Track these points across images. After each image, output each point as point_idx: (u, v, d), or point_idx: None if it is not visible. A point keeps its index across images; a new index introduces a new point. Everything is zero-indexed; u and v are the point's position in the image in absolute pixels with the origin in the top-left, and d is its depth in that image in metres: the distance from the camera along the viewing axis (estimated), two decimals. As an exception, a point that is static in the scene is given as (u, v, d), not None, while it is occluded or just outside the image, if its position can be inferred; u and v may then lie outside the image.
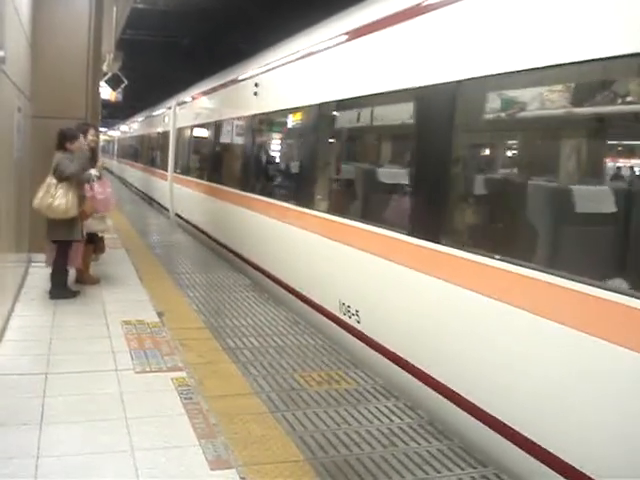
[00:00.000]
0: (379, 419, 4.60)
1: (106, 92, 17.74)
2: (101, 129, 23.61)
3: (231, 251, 10.69)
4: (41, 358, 5.45)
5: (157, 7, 16.14)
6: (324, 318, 6.87)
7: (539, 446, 3.89)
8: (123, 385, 4.96)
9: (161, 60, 22.26)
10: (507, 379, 4.23)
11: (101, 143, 24.30)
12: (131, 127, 30.55)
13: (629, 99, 3.90)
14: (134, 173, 26.31)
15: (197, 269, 9.85)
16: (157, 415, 4.44)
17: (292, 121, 8.95)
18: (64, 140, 7.46)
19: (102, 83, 15.73)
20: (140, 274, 9.00)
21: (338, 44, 6.97)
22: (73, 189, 7.28)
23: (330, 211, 7.04)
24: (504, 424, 4.16)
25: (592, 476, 3.54)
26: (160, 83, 25.88)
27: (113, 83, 17.64)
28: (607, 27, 3.65)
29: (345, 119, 7.34)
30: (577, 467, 3.62)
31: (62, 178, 7.23)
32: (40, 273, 8.19)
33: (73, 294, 7.54)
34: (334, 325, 6.61)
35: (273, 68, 9.05)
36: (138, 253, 10.81)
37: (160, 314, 6.98)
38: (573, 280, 3.69)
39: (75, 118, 8.48)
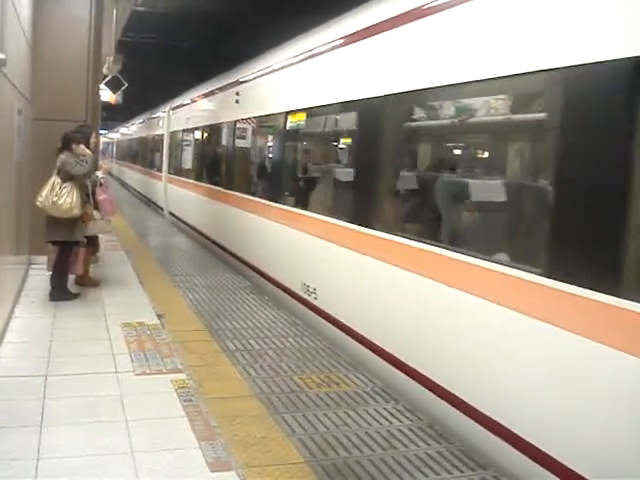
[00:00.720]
0: (378, 421, 4.60)
1: (106, 95, 17.73)
2: (101, 131, 24.12)
3: (215, 243, 11.87)
4: (41, 360, 5.46)
5: (157, 10, 16.10)
6: (292, 299, 7.87)
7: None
8: (123, 387, 4.97)
9: (161, 63, 22.23)
10: (425, 338, 5.17)
11: (101, 146, 24.63)
12: (129, 130, 31.45)
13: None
14: (132, 175, 27.07)
15: (197, 271, 9.85)
16: (157, 417, 4.45)
17: (264, 126, 10.02)
18: (69, 142, 7.48)
19: (102, 85, 15.72)
20: (140, 276, 9.01)
21: (294, 64, 8.29)
22: (77, 189, 7.31)
23: (291, 204, 8.24)
24: (426, 377, 5.04)
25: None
26: (160, 86, 25.87)
27: (113, 86, 17.64)
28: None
29: (302, 125, 8.39)
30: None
31: (67, 177, 7.26)
32: (40, 275, 8.22)
33: (73, 296, 7.55)
34: (299, 304, 7.63)
35: (251, 79, 10.20)
36: (138, 255, 10.82)
37: (160, 316, 6.99)
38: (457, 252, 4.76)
39: (75, 120, 8.48)
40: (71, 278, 7.87)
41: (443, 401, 4.82)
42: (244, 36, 16.89)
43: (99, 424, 4.30)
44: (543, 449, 3.85)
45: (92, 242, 8.22)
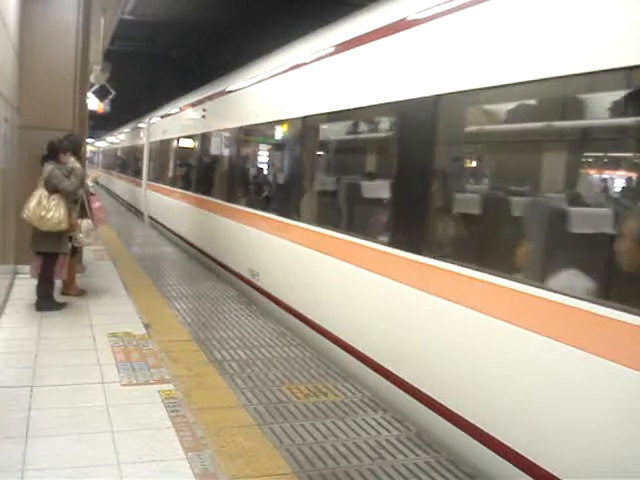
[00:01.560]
0: (367, 431, 4.59)
1: (93, 103, 17.70)
2: (88, 140, 24.61)
3: (184, 240, 13.57)
4: (27, 371, 5.41)
5: (145, 19, 16.13)
6: (242, 282, 9.37)
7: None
8: (109, 398, 4.93)
9: (149, 71, 22.24)
10: (359, 319, 5.97)
11: (88, 154, 25.08)
12: (113, 140, 33.51)
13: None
14: (116, 182, 28.57)
15: (184, 281, 9.83)
16: (144, 428, 4.42)
17: (223, 138, 11.53)
18: (57, 151, 7.45)
19: (89, 94, 15.69)
20: (127, 286, 8.97)
21: (240, 89, 10.28)
22: (64, 201, 7.27)
23: (239, 202, 9.87)
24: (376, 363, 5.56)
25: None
26: (148, 94, 25.87)
27: (100, 94, 17.62)
28: None
29: (247, 138, 10.44)
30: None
31: (54, 190, 7.21)
32: (26, 285, 8.14)
33: (59, 306, 7.50)
34: (247, 286, 9.12)
35: (215, 97, 11.83)
36: (125, 264, 10.78)
37: (147, 326, 6.95)
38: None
39: (62, 129, 8.45)
40: (57, 288, 7.81)
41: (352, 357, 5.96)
42: (231, 45, 16.92)
43: (85, 435, 4.26)
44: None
45: (75, 252, 8.17)
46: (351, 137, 7.44)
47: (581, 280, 3.73)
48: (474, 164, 5.74)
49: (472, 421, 4.29)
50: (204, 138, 12.66)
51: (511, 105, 4.76)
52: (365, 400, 5.17)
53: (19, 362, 5.64)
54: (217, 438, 4.31)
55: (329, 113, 7.01)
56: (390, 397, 5.28)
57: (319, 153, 7.95)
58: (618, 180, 4.22)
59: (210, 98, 12.09)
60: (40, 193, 7.23)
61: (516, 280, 4.01)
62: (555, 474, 3.62)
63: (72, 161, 7.55)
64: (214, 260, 11.09)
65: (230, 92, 10.76)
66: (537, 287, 3.82)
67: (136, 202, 21.50)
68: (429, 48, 5.12)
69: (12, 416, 4.51)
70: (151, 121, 19.18)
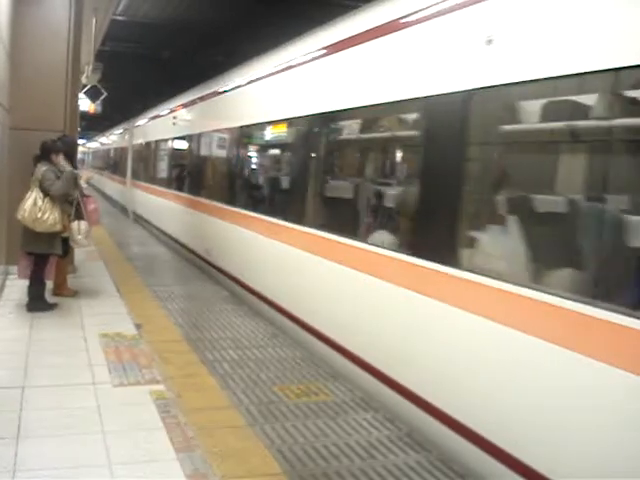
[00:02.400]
0: (358, 431, 4.61)
1: (85, 104, 17.66)
2: (80, 141, 25.04)
3: (159, 230, 15.71)
4: (18, 371, 5.41)
5: (136, 19, 16.07)
6: (199, 260, 11.38)
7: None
8: (100, 398, 4.93)
9: (141, 72, 22.18)
10: (321, 304, 6.59)
11: (79, 155, 25.46)
12: (101, 142, 36.11)
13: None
14: (104, 181, 30.47)
15: (176, 281, 9.83)
16: (135, 429, 4.42)
17: (189, 142, 13.50)
18: (49, 152, 7.43)
19: (81, 95, 15.65)
20: (118, 286, 8.96)
21: (194, 102, 12.84)
22: (58, 203, 7.26)
23: (203, 195, 11.65)
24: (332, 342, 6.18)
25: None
26: (140, 95, 25.81)
27: (92, 95, 17.56)
28: None
29: (205, 144, 12.26)
30: None
31: (46, 193, 7.20)
32: (17, 286, 8.12)
33: (50, 307, 7.49)
34: (203, 263, 11.06)
35: (181, 107, 14.18)
36: (116, 265, 10.77)
37: (138, 326, 6.95)
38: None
39: (54, 130, 8.44)
40: (49, 289, 7.80)
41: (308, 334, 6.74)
42: (223, 46, 16.91)
43: (76, 436, 4.26)
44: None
45: (66, 252, 8.16)
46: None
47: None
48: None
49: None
50: (172, 143, 15.21)
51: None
52: (356, 400, 5.18)
53: (10, 363, 5.63)
54: (208, 439, 4.31)
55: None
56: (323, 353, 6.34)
57: (231, 151, 10.48)
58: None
59: (174, 110, 14.83)
60: (35, 194, 7.21)
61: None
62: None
63: (62, 163, 7.53)
64: (176, 241, 13.63)
65: (187, 105, 13.68)
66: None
67: (120, 198, 23.69)
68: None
69: (3, 417, 4.50)
70: (133, 126, 21.59)
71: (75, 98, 10.13)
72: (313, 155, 7.18)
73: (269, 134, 9.11)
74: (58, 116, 9.07)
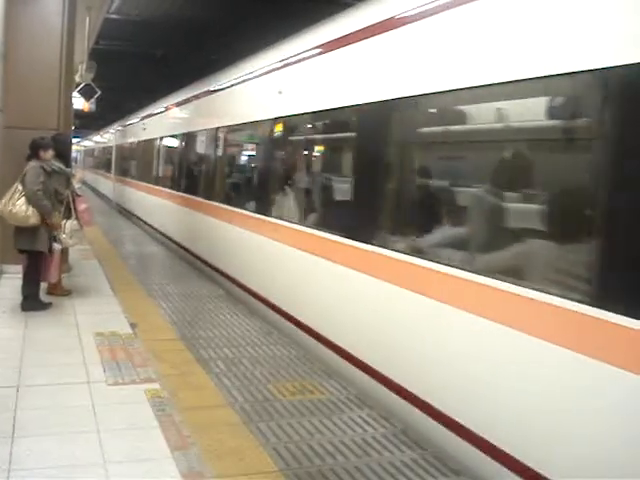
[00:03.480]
0: (352, 429, 4.62)
1: (79, 102, 17.61)
2: (74, 140, 25.95)
3: (132, 213, 19.32)
4: (12, 371, 5.40)
5: (130, 18, 16.02)
6: (157, 234, 14.93)
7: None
8: (95, 397, 4.93)
9: (135, 70, 22.13)
10: (289, 286, 7.46)
11: (73, 154, 26.30)
12: (91, 141, 40.49)
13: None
14: (92, 177, 34.00)
15: (170, 280, 9.82)
16: (130, 427, 4.42)
17: (165, 143, 15.77)
18: (37, 149, 7.41)
19: (75, 93, 15.62)
20: (113, 285, 8.95)
21: (167, 109, 15.59)
22: (34, 199, 7.21)
23: (173, 187, 13.94)
24: (302, 326, 6.84)
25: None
26: (134, 93, 25.76)
27: (86, 93, 17.52)
28: None
29: (175, 144, 14.71)
30: None
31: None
32: (11, 285, 8.10)
33: (45, 306, 7.47)
34: (175, 246, 13.22)
35: (147, 117, 18.23)
36: (111, 264, 10.76)
37: (133, 325, 6.95)
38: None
39: (47, 129, 8.42)
40: (43, 287, 7.79)
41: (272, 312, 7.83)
42: (217, 44, 16.89)
43: (71, 435, 4.26)
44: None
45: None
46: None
47: None
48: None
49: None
50: (144, 144, 18.29)
51: None
52: (351, 397, 5.19)
53: (5, 362, 5.62)
54: (203, 437, 4.32)
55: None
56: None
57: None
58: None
59: (144, 118, 18.61)
60: (14, 188, 7.20)
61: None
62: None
63: (52, 160, 7.49)
64: (145, 222, 17.13)
65: (152, 115, 17.36)
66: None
67: (106, 191, 27.63)
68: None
69: (-2, 416, 4.50)
70: (116, 129, 25.84)
71: (69, 97, 10.11)
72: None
73: (194, 140, 12.70)
74: (52, 115, 9.05)
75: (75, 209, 7.77)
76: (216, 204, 10.30)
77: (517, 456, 3.80)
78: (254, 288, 8.34)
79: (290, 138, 8.19)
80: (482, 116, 4.72)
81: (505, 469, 3.91)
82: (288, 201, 7.80)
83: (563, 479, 3.50)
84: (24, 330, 6.62)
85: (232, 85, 10.03)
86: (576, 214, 3.77)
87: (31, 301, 7.38)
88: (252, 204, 8.67)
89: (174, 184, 13.85)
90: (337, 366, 5.93)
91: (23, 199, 7.13)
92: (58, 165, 7.59)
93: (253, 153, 9.95)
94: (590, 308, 3.35)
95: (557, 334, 3.56)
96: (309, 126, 7.78)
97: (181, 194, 12.86)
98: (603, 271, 3.41)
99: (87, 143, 43.45)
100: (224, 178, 10.74)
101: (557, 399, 3.58)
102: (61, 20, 9.21)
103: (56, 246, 7.59)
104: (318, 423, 4.68)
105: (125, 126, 23.38)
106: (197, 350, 6.25)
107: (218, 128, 10.63)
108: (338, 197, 6.75)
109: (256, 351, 6.33)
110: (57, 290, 8.10)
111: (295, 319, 7.00)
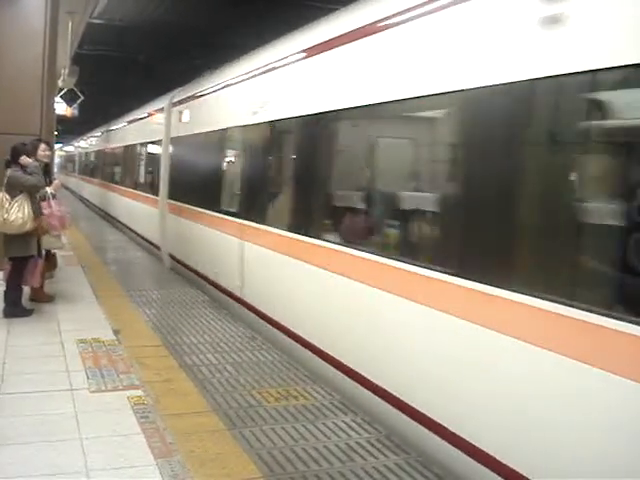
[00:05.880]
0: (337, 434, 4.62)
1: (62, 108, 17.56)
2: (56, 145, 26.27)
3: (113, 217, 20.11)
4: (-6, 378, 5.36)
5: (113, 23, 16.01)
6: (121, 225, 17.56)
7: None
8: (78, 405, 4.90)
9: (118, 75, 22.09)
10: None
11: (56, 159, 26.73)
12: (72, 147, 41.40)
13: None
14: (74, 181, 35.66)
15: (154, 286, 9.79)
16: (113, 435, 4.40)
17: (140, 150, 16.31)
18: (18, 155, 7.36)
19: (57, 99, 15.56)
20: (96, 291, 8.91)
21: (133, 121, 17.37)
22: (27, 203, 7.18)
23: (147, 190, 14.56)
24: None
25: None
26: (118, 98, 25.68)
27: (69, 99, 17.47)
28: None
29: (120, 153, 18.71)
30: None
31: (16, 193, 7.13)
32: (-7, 291, 8.04)
33: (27, 312, 7.42)
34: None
35: (112, 130, 21.18)
36: (94, 270, 10.71)
37: (116, 332, 6.91)
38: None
39: (29, 134, 8.38)
40: (26, 294, 7.73)
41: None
42: (200, 49, 16.90)
43: (53, 443, 4.23)
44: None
45: (48, 258, 8.11)
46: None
47: None
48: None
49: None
50: (112, 151, 20.89)
51: None
52: (335, 403, 5.19)
53: (-14, 370, 5.58)
54: (187, 443, 4.30)
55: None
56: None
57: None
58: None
59: (111, 130, 21.43)
60: (1, 197, 7.15)
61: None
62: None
63: (29, 162, 7.42)
64: (110, 215, 19.96)
65: (121, 127, 19.27)
66: None
67: (87, 194, 29.18)
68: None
69: (-21, 424, 4.47)
70: (101, 134, 27.00)
71: (51, 102, 10.08)
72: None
73: (151, 148, 14.51)
74: (34, 120, 9.01)
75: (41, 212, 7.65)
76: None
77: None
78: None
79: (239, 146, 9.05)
80: None
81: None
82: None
83: None
84: (6, 337, 6.57)
85: (196, 97, 10.85)
86: None
87: (13, 308, 7.34)
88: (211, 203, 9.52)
89: (124, 182, 17.68)
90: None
91: (16, 206, 7.09)
92: (35, 164, 7.50)
93: (207, 160, 10.39)
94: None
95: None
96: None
97: (123, 188, 17.44)
98: None
99: (67, 149, 45.17)
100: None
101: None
102: (43, 25, 9.20)
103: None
104: (302, 429, 4.68)
105: (95, 136, 26.88)
106: (181, 356, 6.23)
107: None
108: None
109: (240, 357, 6.31)
110: (40, 296, 8.04)
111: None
